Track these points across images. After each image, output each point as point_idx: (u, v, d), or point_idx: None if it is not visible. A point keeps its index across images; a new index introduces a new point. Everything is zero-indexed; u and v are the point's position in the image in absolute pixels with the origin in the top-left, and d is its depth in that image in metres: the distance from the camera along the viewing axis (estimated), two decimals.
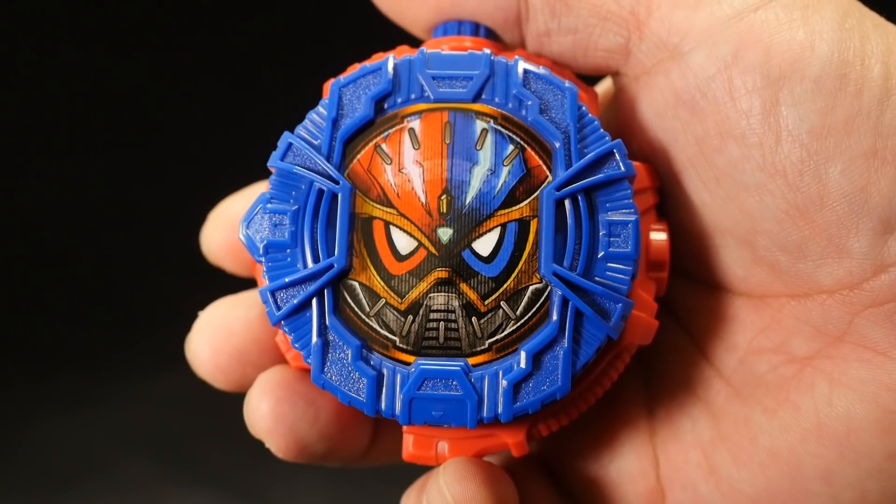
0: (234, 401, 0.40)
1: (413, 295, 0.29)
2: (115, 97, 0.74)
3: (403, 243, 0.29)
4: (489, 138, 0.29)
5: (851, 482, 0.30)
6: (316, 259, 0.29)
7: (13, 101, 0.75)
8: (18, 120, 0.74)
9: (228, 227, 0.35)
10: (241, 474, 0.67)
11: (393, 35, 0.35)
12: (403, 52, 0.31)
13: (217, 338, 0.33)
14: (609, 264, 0.29)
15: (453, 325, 0.29)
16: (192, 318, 0.35)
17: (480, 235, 0.29)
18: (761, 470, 0.31)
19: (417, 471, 0.33)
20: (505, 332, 0.29)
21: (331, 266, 0.29)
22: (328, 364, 0.29)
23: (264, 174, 0.34)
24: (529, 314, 0.29)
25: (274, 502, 0.66)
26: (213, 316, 0.34)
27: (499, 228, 0.29)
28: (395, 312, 0.29)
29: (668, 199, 0.32)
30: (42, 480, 0.66)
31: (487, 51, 0.30)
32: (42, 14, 0.75)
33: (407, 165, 0.29)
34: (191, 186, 0.53)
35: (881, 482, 0.29)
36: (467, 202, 0.29)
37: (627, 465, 0.33)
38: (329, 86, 0.31)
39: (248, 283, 0.35)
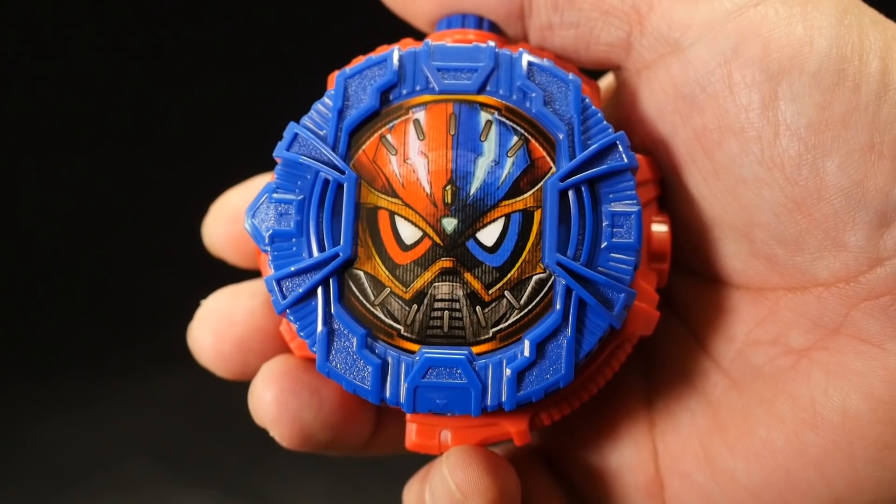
0: (234, 401, 0.40)
1: (418, 284, 0.29)
2: (114, 95, 0.74)
3: (408, 233, 0.29)
4: (493, 129, 0.30)
5: (846, 472, 0.30)
6: (321, 248, 0.29)
7: (13, 100, 0.75)
8: (18, 119, 0.74)
9: (230, 219, 0.35)
10: (241, 474, 0.67)
11: (396, 29, 0.35)
12: (408, 45, 0.31)
13: (219, 326, 0.34)
14: (612, 254, 0.29)
15: (457, 315, 0.29)
16: (192, 317, 0.35)
17: (485, 226, 0.29)
18: (757, 460, 0.31)
19: (417, 470, 0.33)
20: (509, 322, 0.29)
21: (336, 255, 0.29)
22: (333, 352, 0.29)
23: (264, 170, 0.35)
24: (533, 303, 0.29)
25: (274, 502, 0.66)
26: (216, 304, 0.34)
27: (503, 219, 0.29)
28: (400, 301, 0.29)
29: (669, 192, 0.33)
30: (42, 480, 0.66)
31: (492, 43, 0.30)
32: (42, 11, 0.75)
33: (412, 156, 0.30)
34: (191, 185, 0.53)
35: (876, 472, 0.30)
36: (472, 192, 0.29)
37: (627, 456, 0.34)
38: (334, 77, 0.31)
39: (249, 278, 0.36)
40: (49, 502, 0.66)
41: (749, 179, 0.30)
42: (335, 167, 0.30)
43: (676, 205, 0.32)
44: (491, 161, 0.30)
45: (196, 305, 0.35)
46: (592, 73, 0.33)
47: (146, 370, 0.69)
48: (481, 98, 0.30)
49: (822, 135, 0.28)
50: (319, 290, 0.29)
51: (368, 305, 0.29)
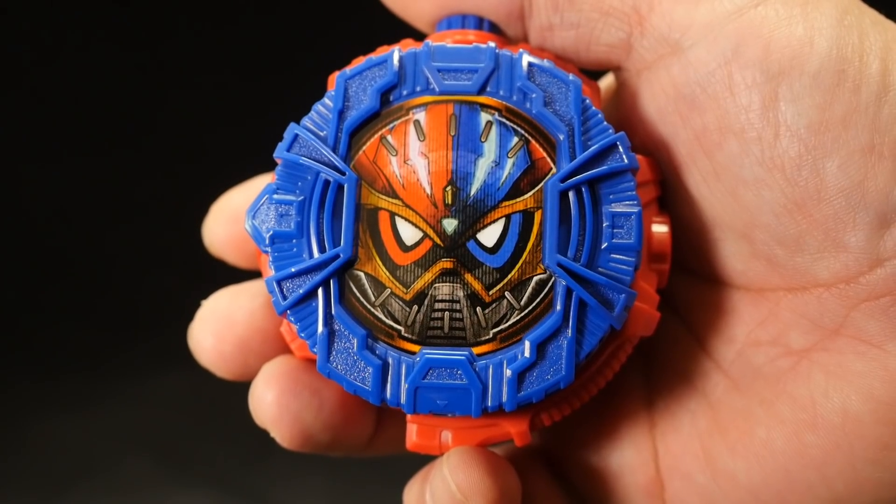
0: (234, 401, 0.40)
1: (418, 285, 0.29)
2: (114, 95, 0.74)
3: (409, 234, 0.29)
4: (494, 130, 0.30)
5: (846, 473, 0.30)
6: (322, 249, 0.29)
7: (13, 100, 0.75)
8: (18, 119, 0.74)
9: (230, 220, 0.35)
10: (241, 474, 0.67)
11: (397, 30, 0.35)
12: (408, 46, 0.31)
13: (220, 327, 0.34)
14: (612, 255, 0.29)
15: (458, 315, 0.29)
16: (193, 318, 0.35)
17: (485, 226, 0.29)
18: (758, 460, 0.31)
19: (417, 470, 0.33)
20: (509, 322, 0.29)
21: (336, 256, 0.29)
22: (334, 353, 0.29)
23: (265, 171, 0.35)
24: (534, 304, 0.29)
25: (274, 502, 0.66)
26: (217, 305, 0.34)
27: (503, 219, 0.29)
28: (401, 302, 0.29)
29: (669, 193, 0.33)
30: (42, 480, 0.66)
31: (492, 44, 0.30)
32: (42, 11, 0.75)
33: (412, 157, 0.30)
34: (191, 186, 0.53)
35: (876, 472, 0.30)
36: (472, 193, 0.29)
37: (627, 457, 0.34)
38: (335, 78, 0.31)
39: (249, 279, 0.36)
40: (49, 502, 0.66)
41: (749, 180, 0.30)
42: (335, 168, 0.30)
43: (677, 205, 0.32)
44: (491, 162, 0.30)
45: (196, 306, 0.35)
46: (593, 73, 0.33)
47: (146, 370, 0.69)
48: (481, 99, 0.30)
49: (823, 136, 0.28)
50: (320, 291, 0.29)
51: (369, 306, 0.29)
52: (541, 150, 0.30)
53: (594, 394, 0.31)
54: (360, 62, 0.31)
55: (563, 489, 0.34)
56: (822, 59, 0.28)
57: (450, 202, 0.29)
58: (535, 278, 0.29)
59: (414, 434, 0.31)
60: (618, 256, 0.29)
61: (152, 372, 0.69)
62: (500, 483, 0.30)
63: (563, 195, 0.29)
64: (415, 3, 0.33)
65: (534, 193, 0.29)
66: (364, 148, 0.30)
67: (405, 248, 0.29)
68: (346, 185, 0.30)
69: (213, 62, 0.76)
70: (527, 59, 0.30)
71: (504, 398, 0.29)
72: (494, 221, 0.29)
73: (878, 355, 0.29)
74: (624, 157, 0.30)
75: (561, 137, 0.30)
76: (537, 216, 0.29)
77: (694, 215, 0.32)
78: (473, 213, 0.29)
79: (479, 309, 0.29)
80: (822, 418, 0.30)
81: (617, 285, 0.29)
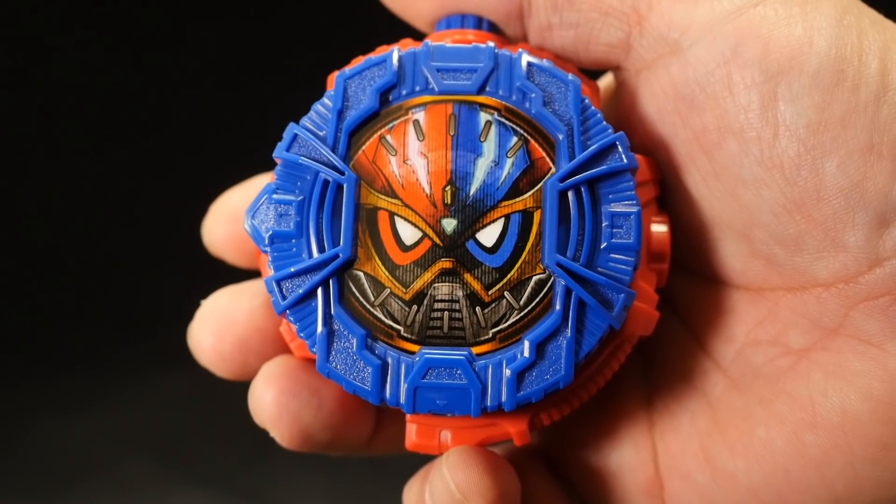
0: (233, 401, 0.40)
1: (417, 285, 0.29)
2: (114, 95, 0.74)
3: (408, 234, 0.29)
4: (493, 130, 0.30)
5: (845, 472, 0.30)
6: (321, 249, 0.29)
7: (13, 100, 0.75)
8: (18, 119, 0.74)
9: (230, 220, 0.35)
10: (241, 474, 0.67)
11: (396, 29, 0.35)
12: (408, 45, 0.31)
13: (219, 326, 0.34)
14: (612, 255, 0.29)
15: (457, 315, 0.29)
16: (192, 317, 0.35)
17: (484, 226, 0.29)
18: (757, 460, 0.31)
19: (417, 470, 0.33)
20: (508, 322, 0.29)
21: (336, 256, 0.29)
22: (333, 353, 0.29)
23: (264, 171, 0.35)
24: (533, 304, 0.29)
25: (274, 502, 0.66)
26: (216, 304, 0.34)
27: (503, 219, 0.29)
28: (400, 302, 0.29)
29: (668, 193, 0.33)
30: (42, 480, 0.66)
31: (491, 44, 0.30)
32: (42, 11, 0.75)
33: (411, 157, 0.30)
34: (191, 185, 0.53)
35: (875, 472, 0.30)
36: (471, 193, 0.29)
37: (627, 456, 0.34)
38: (334, 78, 0.31)
39: (249, 278, 0.36)
40: (49, 502, 0.66)
41: (748, 180, 0.30)
42: (335, 168, 0.30)
43: (676, 205, 0.32)
44: (490, 162, 0.30)
45: (196, 305, 0.35)
46: (592, 73, 0.33)
47: (146, 370, 0.69)
48: (481, 98, 0.30)
49: (822, 135, 0.28)
50: (319, 291, 0.29)
51: (368, 306, 0.29)
52: (540, 149, 0.30)
53: (593, 393, 0.31)
54: (359, 62, 0.31)
55: (562, 489, 0.34)
56: (821, 59, 0.28)
57: (449, 202, 0.29)
58: (535, 278, 0.29)
59: (413, 434, 0.31)
60: (617, 256, 0.29)
61: (152, 372, 0.69)
62: (500, 482, 0.30)
63: (563, 195, 0.29)
64: (414, 2, 0.33)
65: (533, 193, 0.29)
66: (363, 148, 0.30)
67: (404, 248, 0.29)
68: (345, 185, 0.30)
69: (212, 62, 0.76)
70: (526, 58, 0.30)
71: (503, 398, 0.29)
72: (494, 221, 0.29)
73: (877, 355, 0.29)
74: (623, 156, 0.30)
75: (560, 137, 0.30)
76: (536, 216, 0.29)
77: (693, 215, 0.32)
78: (473, 213, 0.29)
79: (478, 309, 0.29)
80: (822, 418, 0.30)
81: (616, 285, 0.29)
